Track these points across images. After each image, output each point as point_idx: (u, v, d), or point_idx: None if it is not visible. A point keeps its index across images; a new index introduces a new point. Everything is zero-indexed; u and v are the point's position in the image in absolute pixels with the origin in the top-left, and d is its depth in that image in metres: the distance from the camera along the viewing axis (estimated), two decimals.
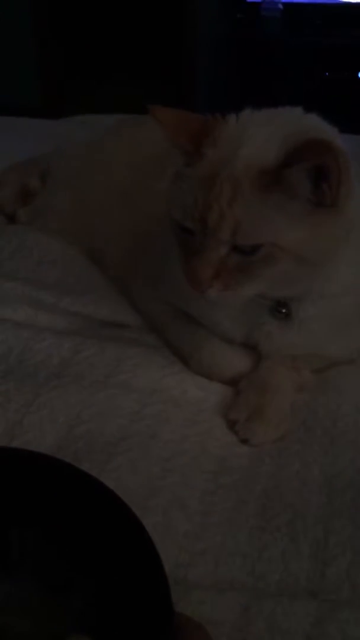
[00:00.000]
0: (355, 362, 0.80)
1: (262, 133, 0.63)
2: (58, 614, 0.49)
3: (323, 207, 0.61)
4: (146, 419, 0.70)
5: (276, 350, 0.75)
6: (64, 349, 0.77)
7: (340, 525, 0.58)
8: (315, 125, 0.67)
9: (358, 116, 2.40)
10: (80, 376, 0.74)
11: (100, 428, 0.68)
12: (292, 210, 0.60)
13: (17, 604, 0.49)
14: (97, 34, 2.90)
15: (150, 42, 2.93)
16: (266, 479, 0.64)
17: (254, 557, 0.55)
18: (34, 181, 1.12)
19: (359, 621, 0.49)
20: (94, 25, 2.95)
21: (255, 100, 0.69)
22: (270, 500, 0.61)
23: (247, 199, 0.60)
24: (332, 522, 0.58)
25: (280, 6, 2.72)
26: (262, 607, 0.49)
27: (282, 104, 0.69)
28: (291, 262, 0.62)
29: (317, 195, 0.60)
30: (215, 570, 0.54)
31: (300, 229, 0.61)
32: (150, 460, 0.64)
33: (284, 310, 0.72)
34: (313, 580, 0.53)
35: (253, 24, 2.74)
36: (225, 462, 0.66)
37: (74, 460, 0.55)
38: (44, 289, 0.89)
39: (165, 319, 0.83)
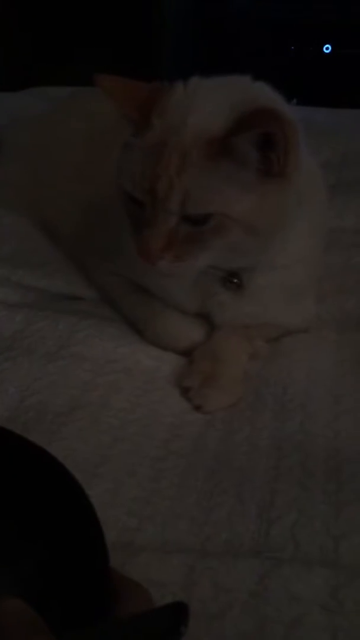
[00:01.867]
0: (308, 330, 0.81)
1: (210, 101, 0.62)
2: (3, 583, 0.49)
3: (271, 177, 0.61)
4: (98, 389, 0.69)
5: (229, 320, 0.76)
6: (15, 321, 0.77)
7: (287, 486, 0.58)
8: (264, 94, 0.67)
9: (322, 90, 2.41)
10: (32, 348, 0.73)
11: (51, 399, 0.67)
12: (241, 180, 0.60)
13: None
14: (62, 9, 2.83)
15: (117, 18, 2.87)
16: (216, 445, 0.64)
17: (201, 520, 0.55)
18: None
19: (301, 577, 0.49)
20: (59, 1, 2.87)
21: (222, 74, 0.68)
22: (220, 464, 0.62)
23: (196, 169, 0.59)
24: (279, 483, 0.59)
25: None
26: (207, 567, 0.50)
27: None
28: (241, 233, 0.62)
29: (265, 164, 0.60)
30: (162, 533, 0.54)
31: (250, 198, 0.61)
32: (100, 429, 0.64)
33: (235, 281, 0.72)
34: (258, 540, 0.53)
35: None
36: (176, 430, 0.66)
37: (23, 431, 0.55)
38: None
39: (120, 292, 0.83)
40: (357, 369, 0.75)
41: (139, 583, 0.43)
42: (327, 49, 2.74)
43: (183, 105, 0.62)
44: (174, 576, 0.50)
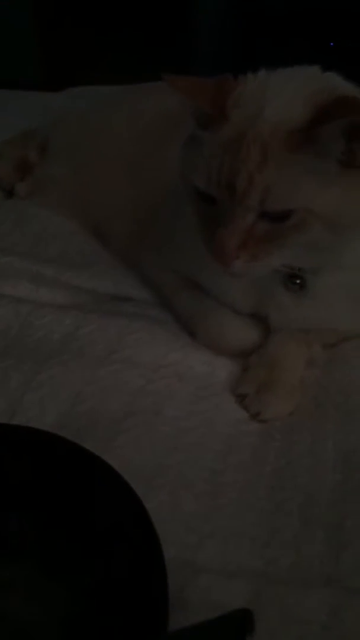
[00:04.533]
0: None
1: (285, 92, 0.59)
2: (63, 598, 0.47)
3: (354, 168, 0.57)
4: (151, 395, 0.67)
5: (287, 323, 0.72)
6: (65, 324, 0.75)
7: (357, 507, 0.55)
8: (339, 83, 0.63)
9: None
10: (82, 352, 0.71)
11: (103, 405, 0.65)
12: (324, 172, 0.57)
13: (21, 589, 0.48)
14: (96, 7, 2.83)
15: (151, 16, 2.86)
16: (276, 457, 0.61)
17: (263, 541, 0.52)
18: (32, 154, 1.08)
19: None
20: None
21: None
22: (281, 480, 0.58)
23: (277, 162, 0.56)
24: (347, 503, 0.55)
25: None
26: (274, 594, 0.47)
27: None
28: (322, 229, 0.58)
29: (347, 155, 0.57)
30: (223, 553, 0.51)
31: (333, 192, 0.57)
32: (155, 438, 0.62)
33: (297, 281, 0.69)
34: (327, 565, 0.50)
35: None
36: (233, 440, 0.63)
37: (77, 439, 0.53)
38: (44, 263, 0.86)
39: (174, 289, 0.81)
40: None
41: None
42: None
43: (257, 96, 0.59)
44: (238, 601, 0.47)
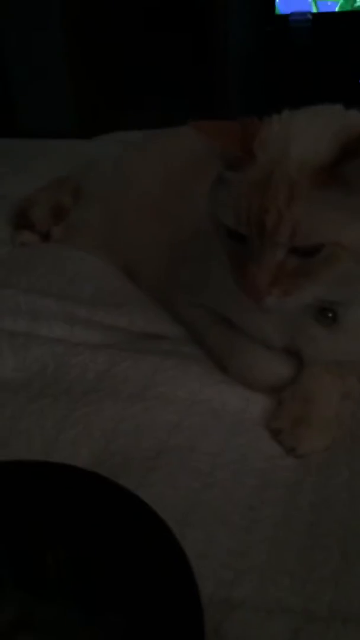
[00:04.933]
0: None
1: (310, 130, 0.61)
2: (93, 636, 0.46)
3: None
4: (185, 431, 0.67)
5: (321, 356, 0.72)
6: (99, 362, 0.76)
7: None
8: None
9: None
10: (116, 390, 0.72)
11: (137, 442, 0.65)
12: (352, 206, 0.57)
13: (56, 630, 0.47)
14: (127, 53, 2.94)
15: (181, 61, 2.96)
16: (313, 492, 0.60)
17: (303, 577, 0.51)
18: (67, 198, 1.12)
19: None
20: (125, 47, 2.99)
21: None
22: (318, 515, 0.57)
23: (305, 198, 0.57)
24: None
25: (309, 16, 2.70)
26: (314, 632, 0.46)
27: None
28: (352, 262, 0.59)
29: None
30: (261, 590, 0.50)
31: None
32: (189, 474, 0.61)
33: (330, 315, 0.69)
34: None
35: (283, 35, 2.73)
36: (268, 476, 0.63)
37: (111, 476, 0.53)
38: (78, 303, 0.88)
39: (206, 327, 0.81)
40: None
41: None
42: None
43: (283, 136, 0.61)
44: (275, 638, 0.46)
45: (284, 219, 0.57)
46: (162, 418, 0.68)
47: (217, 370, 0.76)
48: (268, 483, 0.62)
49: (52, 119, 2.66)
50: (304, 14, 2.71)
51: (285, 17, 2.74)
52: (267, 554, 0.53)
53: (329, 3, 2.73)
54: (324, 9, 2.74)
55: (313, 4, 2.73)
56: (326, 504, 0.58)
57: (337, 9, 2.74)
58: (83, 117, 2.84)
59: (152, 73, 2.85)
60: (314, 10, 2.74)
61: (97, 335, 0.83)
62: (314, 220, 0.57)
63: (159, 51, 2.88)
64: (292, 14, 2.72)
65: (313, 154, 0.58)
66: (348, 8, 2.73)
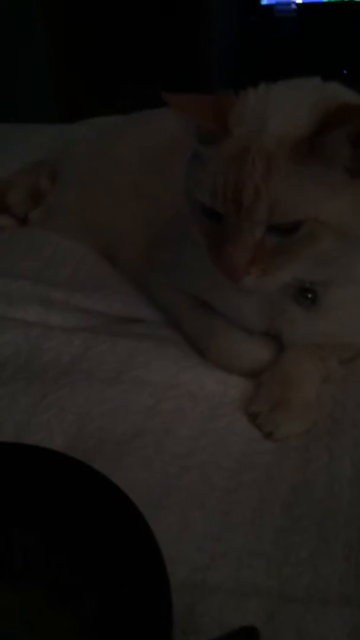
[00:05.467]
0: None
1: (287, 103, 0.59)
2: (65, 626, 0.45)
3: None
4: (161, 414, 0.65)
5: (301, 339, 0.70)
6: (73, 346, 0.74)
7: None
8: (341, 91, 0.63)
9: None
10: (91, 373, 0.70)
11: (112, 426, 0.64)
12: (331, 181, 0.56)
13: (23, 618, 0.46)
14: (111, 42, 2.91)
15: (164, 50, 2.93)
16: (292, 475, 0.59)
17: (279, 560, 0.50)
18: (44, 182, 1.09)
19: None
20: (107, 34, 2.96)
21: None
22: (297, 497, 0.56)
23: (283, 173, 0.55)
24: None
25: (294, 6, 2.69)
26: (290, 614, 0.44)
27: None
28: (333, 239, 0.57)
29: (355, 162, 0.56)
30: (237, 574, 0.49)
31: (341, 200, 0.56)
32: (165, 458, 0.60)
33: (309, 296, 0.67)
34: (347, 584, 0.47)
35: (267, 25, 2.72)
36: (246, 459, 0.61)
37: (85, 460, 0.52)
38: (54, 287, 0.86)
39: (183, 309, 0.79)
40: None
41: None
42: None
43: (260, 109, 0.59)
44: (251, 621, 0.45)
45: (261, 195, 0.56)
46: (137, 401, 0.67)
47: (195, 353, 0.74)
48: (246, 466, 0.60)
49: (32, 104, 2.62)
50: (288, 4, 2.70)
51: (270, 7, 2.72)
52: (244, 537, 0.52)
53: None
54: None
55: None
56: (304, 487, 0.57)
57: None
58: (64, 103, 2.81)
59: (135, 60, 2.82)
60: (299, 0, 2.73)
61: (73, 318, 0.81)
62: (293, 196, 0.56)
63: (143, 38, 2.84)
64: (277, 4, 2.71)
65: (291, 127, 0.56)
66: None
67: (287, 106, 0.59)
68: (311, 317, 0.68)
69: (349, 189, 0.56)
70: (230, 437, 0.64)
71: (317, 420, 0.66)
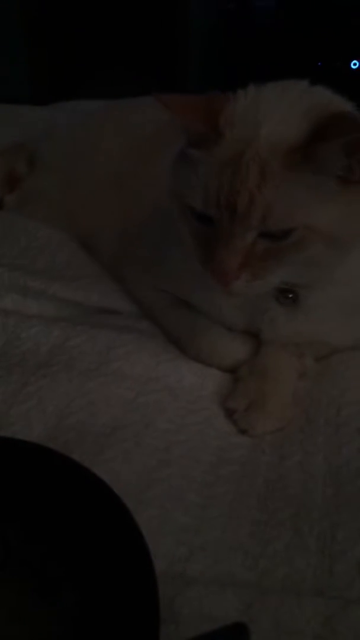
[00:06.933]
0: (359, 348, 0.77)
1: (280, 109, 0.59)
2: (47, 616, 0.45)
3: (352, 184, 0.57)
4: (140, 408, 0.66)
5: (280, 337, 0.72)
6: (53, 336, 0.74)
7: (349, 517, 0.54)
8: (330, 97, 0.64)
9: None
10: (70, 365, 0.70)
11: (91, 418, 0.64)
12: (323, 189, 0.57)
13: (5, 609, 0.46)
14: (88, 26, 2.85)
15: (142, 35, 2.90)
16: (267, 470, 0.60)
17: (256, 553, 0.51)
18: (21, 166, 1.08)
19: None
20: (85, 17, 2.90)
21: None
22: (273, 492, 0.58)
23: (278, 181, 0.56)
24: (339, 514, 0.54)
25: None
26: (266, 605, 0.46)
27: None
28: (322, 246, 0.58)
29: (347, 171, 0.57)
30: (215, 566, 0.50)
31: (333, 208, 0.57)
32: (145, 451, 0.61)
33: (290, 296, 0.68)
34: (321, 576, 0.49)
35: (246, 14, 2.70)
36: (224, 453, 0.62)
37: (65, 452, 0.52)
38: (32, 275, 0.85)
39: (162, 307, 0.80)
40: None
41: None
42: (354, 64, 2.71)
43: (252, 114, 0.59)
44: (228, 612, 0.46)
45: (255, 202, 0.56)
46: (117, 394, 0.67)
47: (174, 346, 0.75)
48: (223, 460, 0.62)
49: (8, 85, 2.56)
50: None
51: None
52: (222, 530, 0.53)
53: None
54: None
55: None
56: (279, 482, 0.59)
57: None
58: (40, 85, 2.76)
59: (112, 45, 2.78)
60: None
61: (52, 308, 0.81)
62: (286, 203, 0.56)
63: (121, 24, 2.80)
64: None
65: (285, 135, 0.57)
66: None
67: (279, 111, 0.59)
68: (291, 316, 0.70)
69: (340, 196, 0.57)
70: (208, 432, 0.65)
71: (292, 417, 0.67)
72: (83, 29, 2.80)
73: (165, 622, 0.45)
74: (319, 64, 2.70)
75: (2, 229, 0.97)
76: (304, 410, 0.68)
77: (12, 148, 1.12)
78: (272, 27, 2.70)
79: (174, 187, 0.63)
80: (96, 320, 0.79)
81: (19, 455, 0.51)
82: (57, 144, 1.06)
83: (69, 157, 1.01)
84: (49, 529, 0.48)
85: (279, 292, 0.67)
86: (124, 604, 0.41)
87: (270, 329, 0.71)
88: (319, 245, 0.58)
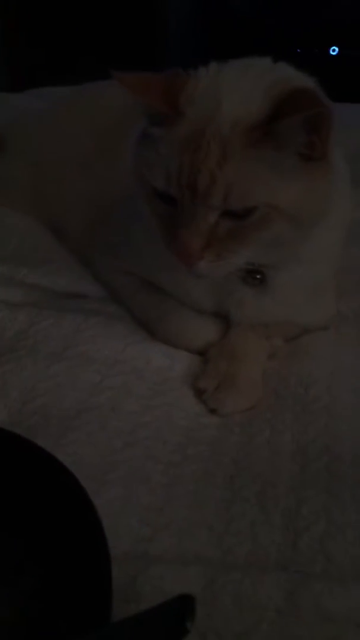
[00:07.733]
0: (328, 328, 0.77)
1: (240, 85, 0.58)
2: (5, 597, 0.45)
3: (313, 161, 0.57)
4: (107, 391, 0.65)
5: (248, 319, 0.71)
6: (18, 321, 0.73)
7: (314, 493, 0.54)
8: (292, 73, 0.63)
9: (329, 93, 2.38)
10: (36, 349, 0.69)
11: (57, 402, 0.63)
12: (284, 167, 0.56)
13: None
14: (65, 12, 2.82)
15: (119, 21, 2.87)
16: (235, 449, 0.60)
17: (220, 530, 0.51)
18: None
19: (334, 593, 0.45)
20: (61, 3, 2.87)
21: None
22: (240, 470, 0.57)
23: (239, 159, 0.55)
24: (304, 490, 0.54)
25: None
26: (229, 580, 0.45)
27: None
28: (285, 224, 0.58)
29: (308, 148, 0.56)
30: (179, 544, 0.50)
31: (294, 186, 0.57)
32: (110, 434, 0.60)
33: (257, 277, 0.68)
34: (284, 552, 0.49)
35: (224, 1, 2.69)
36: (192, 433, 0.62)
37: (29, 435, 0.51)
38: None
39: (130, 290, 0.79)
40: None
41: None
42: (333, 50, 2.71)
43: (213, 91, 0.58)
44: (191, 588, 0.46)
45: (216, 181, 0.55)
46: (83, 377, 0.66)
47: (142, 329, 0.74)
48: (191, 440, 0.61)
49: None
50: None
51: None
52: (187, 509, 0.53)
53: None
54: None
55: None
56: (247, 461, 0.58)
57: None
58: (13, 72, 2.72)
59: (89, 30, 2.75)
60: None
61: (19, 293, 0.79)
62: (248, 181, 0.55)
63: (97, 8, 2.77)
64: None
65: (246, 111, 0.56)
66: None
67: (240, 88, 0.58)
68: (259, 297, 0.69)
69: (301, 174, 0.57)
70: (176, 412, 0.64)
71: (261, 396, 0.67)
72: (59, 15, 2.76)
73: (127, 601, 0.45)
74: (298, 50, 2.70)
75: None
76: (273, 389, 0.68)
77: None
78: (251, 13, 2.69)
79: (137, 167, 0.62)
80: (63, 305, 0.78)
81: None
82: (25, 129, 1.04)
83: (37, 142, 0.99)
84: (6, 513, 0.47)
85: (247, 273, 0.67)
86: (78, 584, 0.41)
87: (239, 310, 0.70)
88: (282, 224, 0.57)
